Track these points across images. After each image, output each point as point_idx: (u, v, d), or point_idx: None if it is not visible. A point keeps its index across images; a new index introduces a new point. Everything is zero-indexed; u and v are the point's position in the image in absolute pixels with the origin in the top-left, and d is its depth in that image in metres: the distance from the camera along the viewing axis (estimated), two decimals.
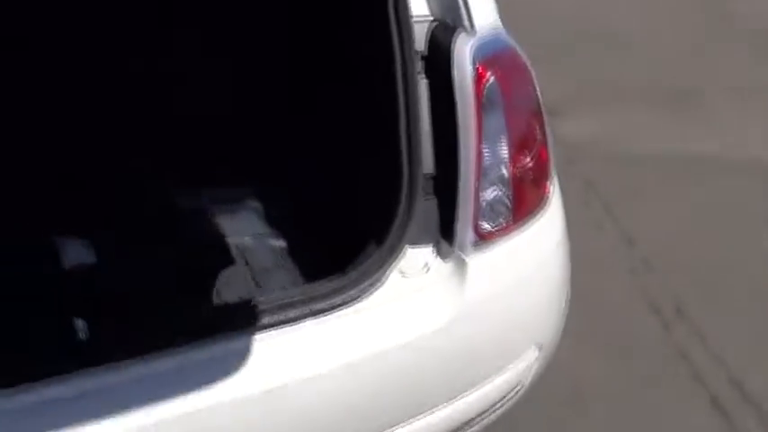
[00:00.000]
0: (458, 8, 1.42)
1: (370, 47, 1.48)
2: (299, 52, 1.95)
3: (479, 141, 1.35)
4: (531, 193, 1.44)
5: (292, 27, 1.96)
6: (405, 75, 1.41)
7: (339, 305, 1.33)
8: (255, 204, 2.05)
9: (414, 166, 1.39)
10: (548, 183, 1.47)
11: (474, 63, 1.37)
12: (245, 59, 2.08)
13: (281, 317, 1.30)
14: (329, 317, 1.33)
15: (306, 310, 1.32)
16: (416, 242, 1.40)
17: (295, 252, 1.88)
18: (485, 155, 1.36)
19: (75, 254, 1.83)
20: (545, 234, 1.48)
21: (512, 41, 1.45)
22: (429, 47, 1.43)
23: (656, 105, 4.24)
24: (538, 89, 1.45)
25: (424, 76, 1.43)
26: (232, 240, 1.93)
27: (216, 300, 1.71)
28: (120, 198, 1.95)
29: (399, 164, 1.40)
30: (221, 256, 1.87)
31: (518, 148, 1.40)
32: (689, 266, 2.83)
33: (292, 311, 1.31)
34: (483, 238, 1.38)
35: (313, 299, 1.33)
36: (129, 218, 1.91)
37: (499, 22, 1.48)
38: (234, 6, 2.02)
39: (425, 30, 1.44)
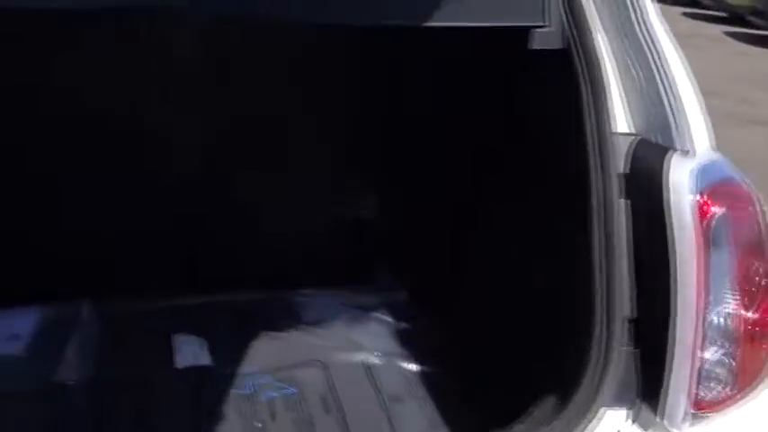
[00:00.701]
0: (668, 126, 1.20)
1: (565, 163, 1.26)
2: (465, 167, 1.77)
3: (704, 287, 1.09)
4: (757, 354, 1.16)
5: (469, 148, 1.77)
6: (602, 196, 1.18)
7: None
8: (387, 318, 1.83)
9: (610, 305, 1.14)
10: None
11: (696, 191, 1.13)
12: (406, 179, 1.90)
13: None
14: None
15: None
16: (608, 403, 1.13)
17: (430, 381, 1.64)
18: (710, 303, 1.09)
19: (191, 354, 1.66)
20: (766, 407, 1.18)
21: (738, 171, 1.21)
22: (631, 166, 1.21)
23: None
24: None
25: (623, 198, 1.20)
26: (359, 357, 1.71)
27: None
28: (244, 298, 1.78)
29: (592, 301, 1.15)
30: (348, 373, 1.64)
31: (745, 296, 1.13)
32: None
33: None
34: (700, 409, 1.10)
35: None
36: (252, 320, 1.74)
37: (715, 146, 1.24)
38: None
39: (626, 146, 1.22)
